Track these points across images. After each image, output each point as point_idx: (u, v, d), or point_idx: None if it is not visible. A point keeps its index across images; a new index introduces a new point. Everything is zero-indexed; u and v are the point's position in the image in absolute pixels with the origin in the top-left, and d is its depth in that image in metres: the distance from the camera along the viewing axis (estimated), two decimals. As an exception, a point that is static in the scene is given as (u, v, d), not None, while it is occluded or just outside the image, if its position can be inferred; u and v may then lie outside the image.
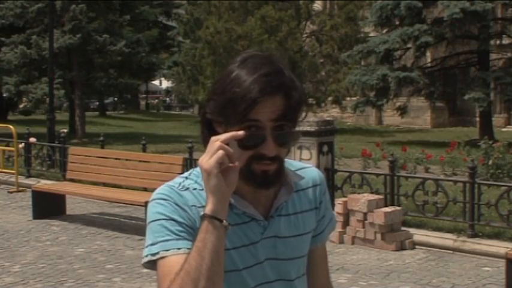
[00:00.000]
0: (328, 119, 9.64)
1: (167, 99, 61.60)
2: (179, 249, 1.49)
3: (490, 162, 11.66)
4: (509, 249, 6.03)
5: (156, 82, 64.40)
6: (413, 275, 6.57)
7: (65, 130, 14.07)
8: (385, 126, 34.20)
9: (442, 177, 10.97)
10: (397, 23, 22.55)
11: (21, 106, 34.07)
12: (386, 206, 7.85)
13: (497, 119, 30.12)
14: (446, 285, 6.24)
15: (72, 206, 9.89)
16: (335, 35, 28.71)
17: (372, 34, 26.38)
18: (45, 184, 10.68)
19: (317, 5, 32.64)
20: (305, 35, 30.40)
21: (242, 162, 1.50)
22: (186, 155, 10.09)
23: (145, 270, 5.33)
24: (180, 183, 1.59)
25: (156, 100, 59.43)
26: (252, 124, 1.49)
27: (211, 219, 1.44)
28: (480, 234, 7.53)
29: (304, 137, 8.53)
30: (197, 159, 1.60)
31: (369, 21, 24.46)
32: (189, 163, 9.63)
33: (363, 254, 7.35)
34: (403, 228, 7.76)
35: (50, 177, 12.20)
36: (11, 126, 12.60)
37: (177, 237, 1.50)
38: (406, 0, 21.25)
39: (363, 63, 24.89)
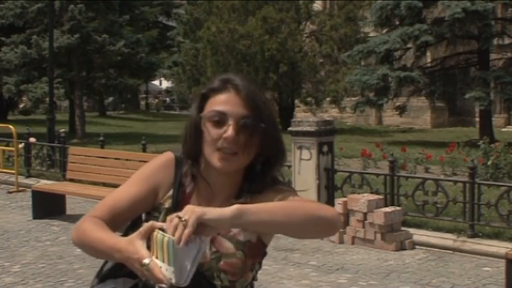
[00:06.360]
0: (328, 119, 9.63)
1: (167, 99, 61.57)
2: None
3: (489, 162, 11.65)
4: (509, 249, 6.03)
5: (156, 82, 64.37)
6: (413, 275, 6.57)
7: (63, 130, 14.02)
8: (385, 126, 34.20)
9: (442, 177, 10.97)
10: (397, 23, 22.53)
11: (21, 106, 34.08)
12: (386, 206, 7.85)
13: (497, 119, 30.10)
14: (446, 285, 6.24)
15: (72, 206, 9.89)
16: (335, 35, 28.70)
17: (371, 34, 26.37)
18: (45, 184, 10.69)
19: (317, 5, 32.62)
20: (305, 35, 30.40)
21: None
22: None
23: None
24: None
25: (156, 100, 59.38)
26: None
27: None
28: (480, 234, 7.53)
29: (304, 137, 8.54)
30: None
31: (368, 21, 24.45)
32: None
33: (362, 254, 7.35)
34: (403, 228, 7.76)
35: (50, 177, 12.20)
36: (11, 126, 12.60)
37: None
38: (406, 0, 21.24)
39: (362, 63, 24.89)
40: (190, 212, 1.61)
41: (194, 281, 1.77)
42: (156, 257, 1.63)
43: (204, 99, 1.86)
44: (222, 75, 1.90)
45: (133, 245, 1.66)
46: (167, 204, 1.89)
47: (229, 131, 1.78)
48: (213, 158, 1.81)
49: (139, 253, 1.64)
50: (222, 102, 1.82)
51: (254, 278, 1.92)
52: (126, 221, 1.91)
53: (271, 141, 1.84)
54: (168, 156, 1.94)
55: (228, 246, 1.83)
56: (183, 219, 1.59)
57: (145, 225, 1.67)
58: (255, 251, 1.85)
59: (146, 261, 1.62)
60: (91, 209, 1.93)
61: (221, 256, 1.82)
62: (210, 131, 1.81)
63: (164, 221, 1.77)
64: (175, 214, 1.62)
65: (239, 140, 1.79)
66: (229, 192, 1.89)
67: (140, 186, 1.89)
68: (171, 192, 1.89)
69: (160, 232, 1.63)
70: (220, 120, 1.80)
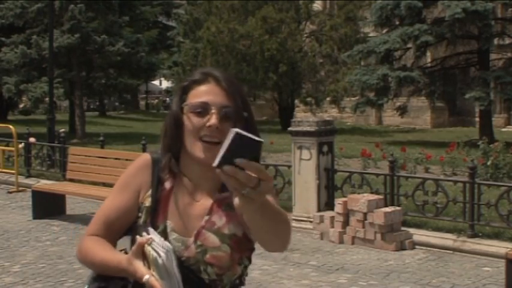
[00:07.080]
0: (328, 119, 9.63)
1: (167, 99, 61.55)
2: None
3: (489, 162, 11.65)
4: (509, 249, 6.03)
5: (156, 82, 64.33)
6: (413, 275, 6.57)
7: (63, 130, 14.02)
8: (385, 126, 34.19)
9: (442, 177, 10.97)
10: (397, 23, 22.54)
11: (21, 106, 34.08)
12: (386, 206, 7.85)
13: (497, 119, 30.09)
14: (446, 285, 6.24)
15: (72, 206, 9.90)
16: (335, 35, 28.70)
17: (371, 34, 26.37)
18: (45, 184, 10.69)
19: (317, 5, 32.62)
20: (305, 35, 30.40)
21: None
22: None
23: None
24: None
25: (156, 100, 59.36)
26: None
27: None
28: (480, 234, 7.53)
29: (304, 137, 8.54)
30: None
31: (368, 21, 24.47)
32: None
33: (362, 254, 7.35)
34: (403, 228, 7.76)
35: (50, 177, 12.20)
36: (11, 126, 12.60)
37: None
38: (406, 0, 21.24)
39: (362, 63, 24.88)
40: (267, 184, 1.55)
41: (181, 276, 1.79)
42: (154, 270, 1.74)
43: (185, 91, 1.88)
44: (202, 68, 1.93)
45: (131, 265, 1.74)
46: (147, 202, 1.90)
47: (212, 119, 1.79)
48: (195, 149, 1.82)
49: (137, 272, 1.72)
50: (203, 92, 1.84)
51: (244, 273, 1.92)
52: (122, 229, 1.95)
53: (253, 131, 1.83)
54: (144, 157, 1.97)
55: (213, 240, 1.84)
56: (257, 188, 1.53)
57: (135, 244, 1.75)
58: (241, 245, 1.86)
59: (146, 277, 1.71)
60: (90, 210, 1.96)
61: (207, 249, 1.83)
62: (193, 121, 1.81)
63: (146, 220, 1.86)
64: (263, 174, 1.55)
65: (222, 129, 1.79)
66: (212, 186, 1.88)
67: (124, 194, 1.93)
68: (150, 191, 1.91)
69: (149, 248, 1.73)
70: (202, 110, 1.81)
